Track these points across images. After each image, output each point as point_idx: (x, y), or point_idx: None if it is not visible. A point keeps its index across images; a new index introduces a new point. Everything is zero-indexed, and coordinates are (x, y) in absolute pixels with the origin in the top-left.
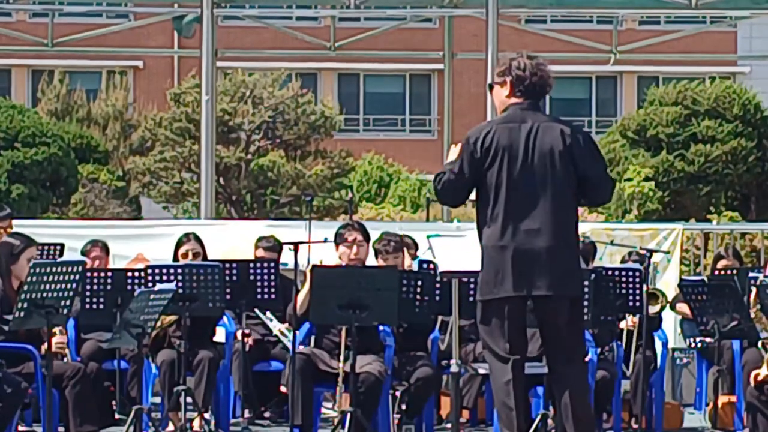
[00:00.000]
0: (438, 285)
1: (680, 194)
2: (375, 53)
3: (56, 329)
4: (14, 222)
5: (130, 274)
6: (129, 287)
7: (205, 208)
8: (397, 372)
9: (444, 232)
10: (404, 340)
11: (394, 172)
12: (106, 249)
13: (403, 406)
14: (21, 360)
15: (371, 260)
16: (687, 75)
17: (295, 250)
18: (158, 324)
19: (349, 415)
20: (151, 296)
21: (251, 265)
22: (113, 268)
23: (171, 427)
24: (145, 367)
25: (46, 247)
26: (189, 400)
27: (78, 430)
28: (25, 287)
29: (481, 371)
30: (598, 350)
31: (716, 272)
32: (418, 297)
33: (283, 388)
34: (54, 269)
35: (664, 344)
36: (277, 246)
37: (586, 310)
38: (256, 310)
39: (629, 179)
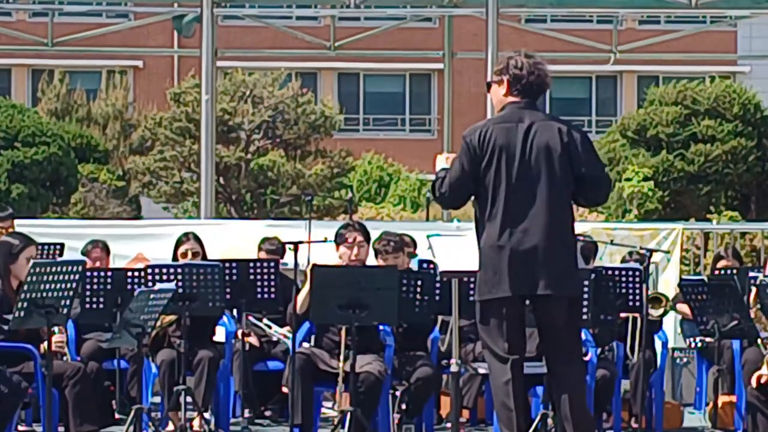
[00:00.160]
0: (438, 285)
1: (680, 194)
2: (375, 53)
3: (55, 328)
4: (14, 222)
5: (130, 273)
6: (129, 287)
7: (205, 207)
8: (397, 372)
9: (444, 231)
10: (404, 340)
11: (394, 172)
12: (106, 249)
13: (403, 406)
14: (21, 359)
15: (371, 260)
16: (687, 75)
17: (295, 250)
18: (158, 324)
19: (349, 414)
20: (151, 296)
21: (251, 264)
22: (113, 267)
23: (171, 426)
24: (145, 367)
25: (46, 247)
26: (189, 399)
27: (78, 429)
28: (25, 287)
29: (481, 371)
30: (598, 350)
31: (716, 272)
32: (418, 297)
33: (284, 389)
34: (54, 269)
35: (664, 344)
36: (280, 249)
37: (585, 310)
38: (252, 319)
39: (629, 179)
